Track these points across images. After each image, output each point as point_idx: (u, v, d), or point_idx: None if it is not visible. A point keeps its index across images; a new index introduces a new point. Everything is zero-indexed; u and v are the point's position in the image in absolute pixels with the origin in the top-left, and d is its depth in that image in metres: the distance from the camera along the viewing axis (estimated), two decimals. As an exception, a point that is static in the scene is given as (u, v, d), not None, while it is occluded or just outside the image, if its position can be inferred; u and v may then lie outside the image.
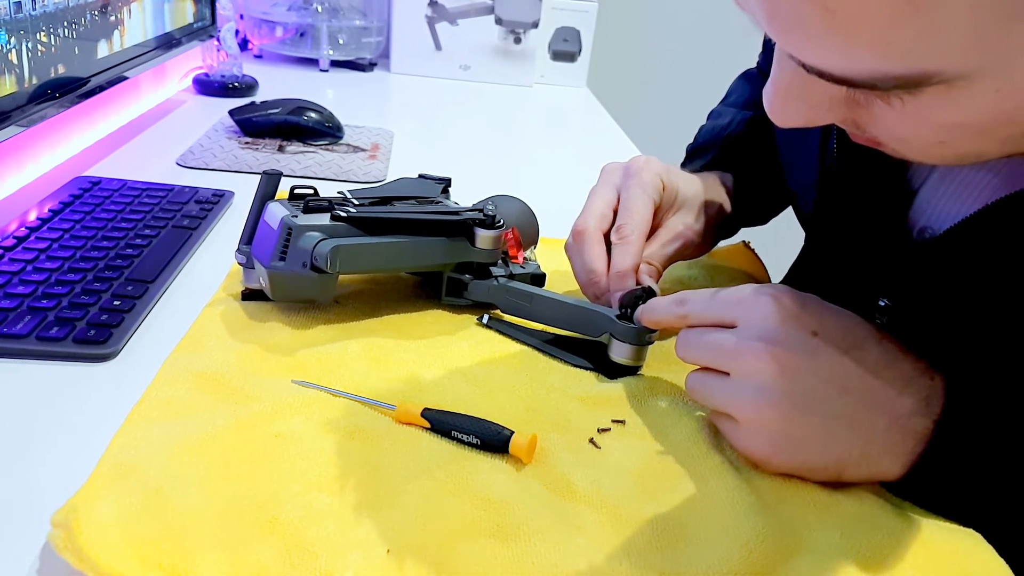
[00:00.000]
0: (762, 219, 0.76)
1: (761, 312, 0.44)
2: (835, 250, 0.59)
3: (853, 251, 0.56)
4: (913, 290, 0.51)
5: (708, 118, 0.80)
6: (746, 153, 0.72)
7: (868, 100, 0.36)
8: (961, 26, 0.29)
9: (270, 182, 0.57)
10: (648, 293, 0.54)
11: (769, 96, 0.39)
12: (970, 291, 0.48)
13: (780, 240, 0.83)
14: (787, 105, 0.39)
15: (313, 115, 1.01)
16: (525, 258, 0.63)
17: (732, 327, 0.46)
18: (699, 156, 0.73)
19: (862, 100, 0.37)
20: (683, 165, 0.73)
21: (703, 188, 0.65)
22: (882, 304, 0.52)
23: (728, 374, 0.45)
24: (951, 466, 0.42)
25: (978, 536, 0.42)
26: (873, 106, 0.37)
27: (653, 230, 0.61)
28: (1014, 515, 0.42)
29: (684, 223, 0.62)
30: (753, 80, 0.81)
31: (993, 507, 0.43)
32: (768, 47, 0.79)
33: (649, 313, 0.52)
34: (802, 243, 0.77)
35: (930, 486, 0.43)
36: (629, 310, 0.53)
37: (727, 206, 0.67)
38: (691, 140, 0.79)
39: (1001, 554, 0.41)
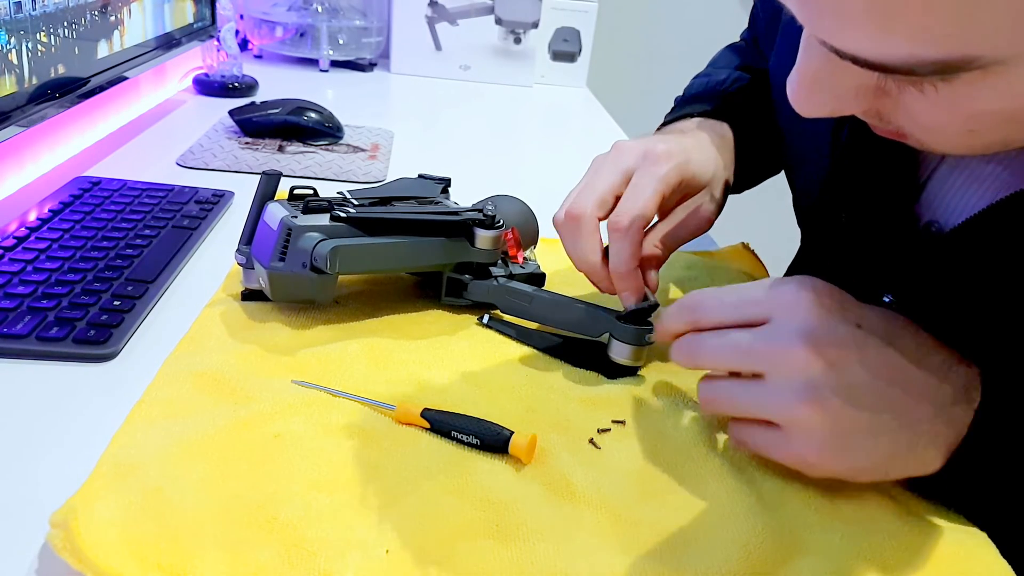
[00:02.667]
0: (753, 182, 0.73)
1: (800, 306, 0.42)
2: (838, 245, 0.58)
3: (857, 245, 0.55)
4: (918, 286, 0.50)
5: (696, 78, 0.77)
6: (744, 110, 0.68)
7: (899, 88, 0.36)
8: (1002, 9, 0.29)
9: (269, 182, 0.57)
10: (653, 308, 0.53)
11: (793, 85, 0.38)
12: (977, 287, 0.47)
13: (780, 240, 0.83)
14: (812, 95, 0.38)
15: (313, 115, 1.01)
16: (525, 258, 0.63)
17: (755, 325, 0.43)
18: (693, 104, 0.69)
19: (892, 89, 0.36)
20: (672, 112, 0.70)
21: (717, 165, 0.61)
22: (886, 300, 0.52)
23: (760, 377, 0.42)
24: (990, 454, 0.41)
25: (981, 537, 0.42)
26: (903, 94, 0.36)
27: (666, 213, 0.59)
28: None
29: (696, 205, 0.59)
30: (740, 51, 0.79)
31: None
32: (756, 22, 0.77)
33: (658, 324, 0.49)
34: (799, 243, 0.77)
35: (967, 477, 0.42)
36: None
37: (731, 174, 0.63)
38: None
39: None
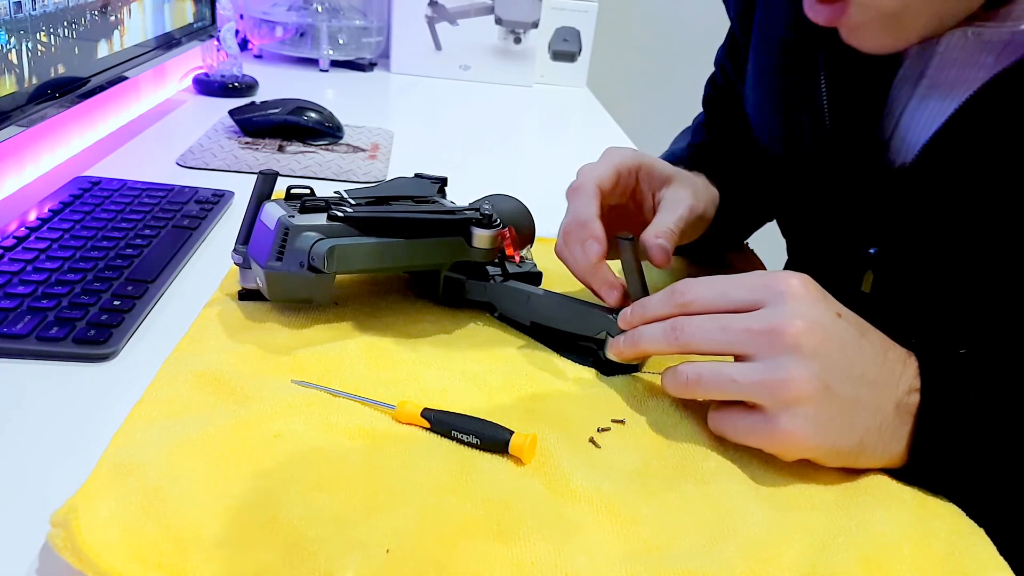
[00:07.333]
0: (750, 221, 0.75)
1: (792, 292, 0.44)
2: (823, 203, 0.60)
3: (840, 198, 0.57)
4: (898, 230, 0.53)
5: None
6: (716, 163, 0.69)
7: None
8: None
9: (266, 182, 0.57)
10: None
11: None
12: (950, 214, 0.50)
13: (780, 240, 0.83)
14: None
15: (313, 115, 1.01)
16: (522, 257, 0.63)
17: (743, 312, 0.45)
18: None
19: None
20: None
21: (679, 170, 0.62)
22: (872, 252, 0.53)
23: (745, 359, 0.44)
24: (942, 441, 0.44)
25: (979, 535, 0.42)
26: None
27: (636, 199, 0.60)
28: (1009, 485, 0.44)
29: (679, 193, 0.59)
30: (699, 130, 0.81)
31: (989, 477, 0.44)
32: (724, 64, 0.78)
33: (642, 309, 0.50)
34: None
35: (929, 463, 0.44)
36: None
37: (712, 189, 0.64)
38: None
39: (1003, 525, 0.42)
